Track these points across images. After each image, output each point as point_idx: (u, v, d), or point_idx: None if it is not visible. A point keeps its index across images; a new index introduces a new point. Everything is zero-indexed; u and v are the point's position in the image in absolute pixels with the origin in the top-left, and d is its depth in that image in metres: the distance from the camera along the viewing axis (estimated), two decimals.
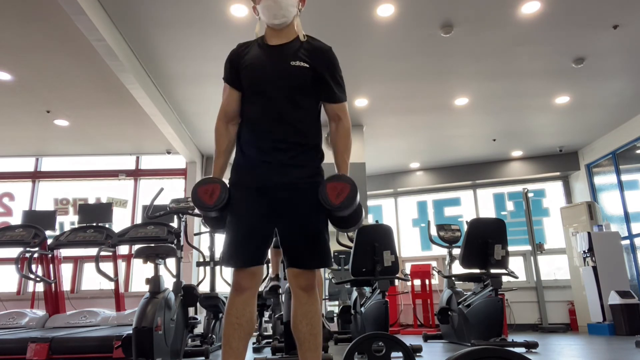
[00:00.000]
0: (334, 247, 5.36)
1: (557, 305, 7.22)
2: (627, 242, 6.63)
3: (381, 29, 4.29)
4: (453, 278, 5.10)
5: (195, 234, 6.56)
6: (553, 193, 8.11)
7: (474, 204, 8.34)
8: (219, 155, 1.76)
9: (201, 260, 4.81)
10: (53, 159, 7.63)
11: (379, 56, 4.77)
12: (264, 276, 4.17)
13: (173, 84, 5.24)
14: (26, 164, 7.61)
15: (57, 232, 5.05)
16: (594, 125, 6.65)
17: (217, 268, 4.60)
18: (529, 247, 7.37)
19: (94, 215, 4.92)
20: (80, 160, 7.61)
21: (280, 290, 3.80)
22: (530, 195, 7.53)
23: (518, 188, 8.02)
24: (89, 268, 6.70)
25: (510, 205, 8.19)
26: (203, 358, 3.70)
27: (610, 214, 7.09)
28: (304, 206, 1.64)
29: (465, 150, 7.59)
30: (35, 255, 4.48)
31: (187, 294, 3.72)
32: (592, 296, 6.23)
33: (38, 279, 4.49)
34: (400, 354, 2.04)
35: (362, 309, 4.44)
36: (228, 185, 1.69)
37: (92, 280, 6.53)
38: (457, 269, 4.76)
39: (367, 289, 4.59)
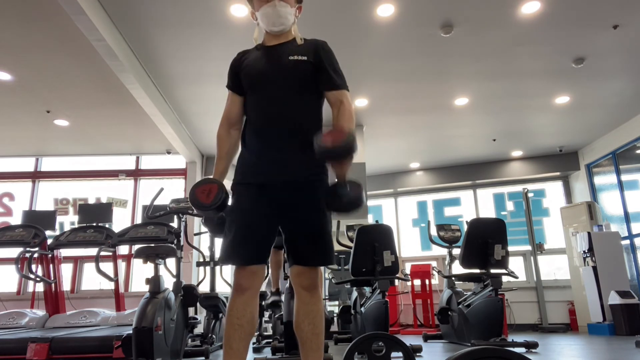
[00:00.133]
0: (334, 247, 5.37)
1: (557, 305, 7.22)
2: (627, 242, 6.63)
3: (381, 29, 4.29)
4: (453, 278, 5.10)
5: (195, 234, 6.56)
6: (553, 193, 8.11)
7: (474, 204, 8.34)
8: (220, 159, 1.77)
9: (201, 260, 4.80)
10: (53, 159, 7.63)
11: (379, 56, 4.77)
12: (265, 275, 4.17)
13: (173, 84, 5.24)
14: (26, 164, 7.61)
15: (57, 232, 5.04)
16: (594, 125, 6.66)
17: (217, 268, 4.60)
18: (529, 247, 7.37)
19: (94, 215, 4.92)
20: (80, 160, 7.61)
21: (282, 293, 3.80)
22: (530, 195, 7.53)
23: (518, 188, 8.02)
24: (89, 268, 6.70)
25: (510, 205, 8.19)
26: (203, 358, 3.70)
27: (610, 214, 7.09)
28: (307, 203, 1.65)
29: (465, 150, 7.60)
30: (35, 255, 4.47)
31: (187, 294, 3.72)
32: (592, 296, 6.24)
33: (38, 279, 4.49)
34: (400, 354, 2.04)
35: (362, 309, 4.43)
36: (232, 184, 1.70)
37: (92, 280, 6.53)
38: (457, 269, 4.76)
39: (367, 289, 4.59)
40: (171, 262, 3.84)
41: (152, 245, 3.62)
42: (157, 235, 3.76)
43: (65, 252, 5.13)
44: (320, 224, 1.65)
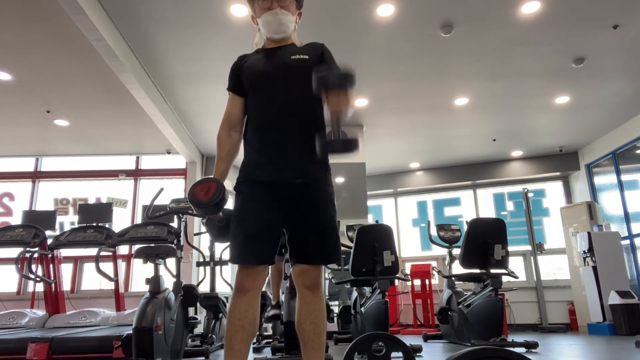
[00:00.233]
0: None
1: (557, 305, 7.22)
2: (627, 242, 6.63)
3: (381, 29, 4.29)
4: (453, 278, 5.10)
5: (195, 234, 6.56)
6: (553, 193, 8.11)
7: (474, 204, 8.34)
8: (220, 160, 1.77)
9: (201, 260, 4.81)
10: (53, 159, 7.62)
11: (379, 56, 4.77)
12: (267, 276, 4.17)
13: (173, 84, 5.24)
14: (26, 164, 7.61)
15: (57, 232, 5.04)
16: (594, 125, 6.66)
17: (217, 268, 4.60)
18: (529, 247, 7.37)
19: (94, 215, 4.92)
20: (80, 160, 7.61)
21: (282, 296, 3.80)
22: (530, 195, 7.54)
23: (518, 188, 8.02)
24: (89, 268, 6.69)
25: (510, 205, 8.19)
26: (203, 358, 3.71)
27: (610, 214, 7.09)
28: (312, 201, 1.65)
29: (465, 150, 7.60)
30: (35, 255, 4.47)
31: (187, 294, 3.72)
32: (592, 296, 6.24)
33: (38, 279, 4.49)
34: (400, 354, 2.04)
35: (362, 309, 4.44)
36: (235, 184, 1.70)
37: (92, 280, 6.53)
38: (457, 269, 4.76)
39: (367, 289, 4.59)
40: (171, 262, 3.84)
41: (152, 245, 3.62)
42: (157, 235, 3.76)
43: (65, 252, 5.13)
44: (325, 221, 1.65)
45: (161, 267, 3.54)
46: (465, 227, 4.56)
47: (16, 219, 7.01)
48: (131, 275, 6.81)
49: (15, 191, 7.56)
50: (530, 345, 3.91)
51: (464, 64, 4.97)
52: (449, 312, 4.90)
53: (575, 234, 6.82)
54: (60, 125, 6.29)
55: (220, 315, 4.44)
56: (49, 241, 4.48)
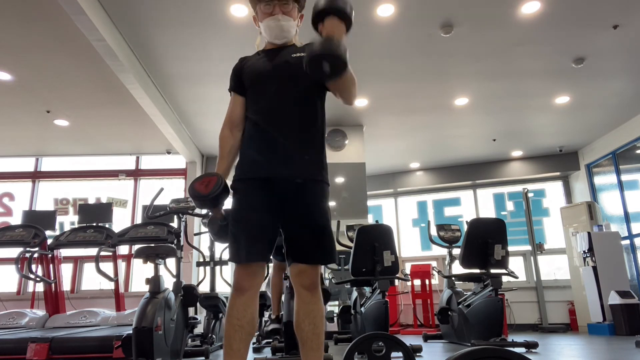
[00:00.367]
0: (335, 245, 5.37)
1: (557, 305, 7.22)
2: (627, 242, 6.63)
3: (381, 29, 4.29)
4: (453, 278, 5.10)
5: (195, 234, 6.56)
6: (553, 193, 8.11)
7: (474, 204, 8.34)
8: (222, 158, 1.77)
9: (201, 260, 4.81)
10: (53, 159, 7.63)
11: (379, 56, 4.77)
12: (265, 276, 4.17)
13: (173, 84, 5.24)
14: (26, 164, 7.61)
15: (57, 232, 5.04)
16: (594, 125, 6.66)
17: (217, 268, 4.60)
18: (529, 247, 7.37)
19: (94, 215, 4.92)
20: (80, 160, 7.61)
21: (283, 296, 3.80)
22: (530, 195, 7.53)
23: (518, 188, 8.02)
24: (89, 268, 6.70)
25: (510, 205, 8.19)
26: (203, 358, 3.70)
27: (610, 214, 7.09)
28: (308, 199, 1.65)
29: (465, 150, 7.60)
30: (35, 255, 4.47)
31: (187, 294, 3.72)
32: (592, 296, 6.24)
33: (38, 279, 4.49)
34: (400, 354, 2.03)
35: (362, 309, 4.43)
36: (232, 182, 1.70)
37: (92, 280, 6.53)
38: (457, 269, 4.76)
39: (367, 289, 4.58)
40: (171, 262, 3.84)
41: (152, 245, 3.62)
42: (157, 235, 3.76)
43: (65, 252, 5.13)
44: (321, 221, 1.65)
45: (161, 267, 3.54)
46: (465, 227, 4.56)
47: (16, 219, 7.02)
48: (131, 275, 6.81)
49: (15, 191, 7.57)
50: (530, 345, 3.91)
51: (464, 64, 4.97)
52: (449, 312, 4.90)
53: (575, 234, 6.82)
54: (60, 125, 6.29)
55: (220, 315, 4.43)
56: (49, 241, 4.48)
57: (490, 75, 5.20)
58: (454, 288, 5.03)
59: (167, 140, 6.35)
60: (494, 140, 7.14)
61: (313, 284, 1.66)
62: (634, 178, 6.69)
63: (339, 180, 6.78)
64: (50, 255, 4.75)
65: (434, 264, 7.52)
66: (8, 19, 4.04)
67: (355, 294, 4.91)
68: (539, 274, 7.16)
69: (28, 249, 4.19)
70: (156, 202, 4.04)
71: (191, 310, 3.99)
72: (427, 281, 7.18)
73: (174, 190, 7.41)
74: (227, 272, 4.98)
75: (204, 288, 4.51)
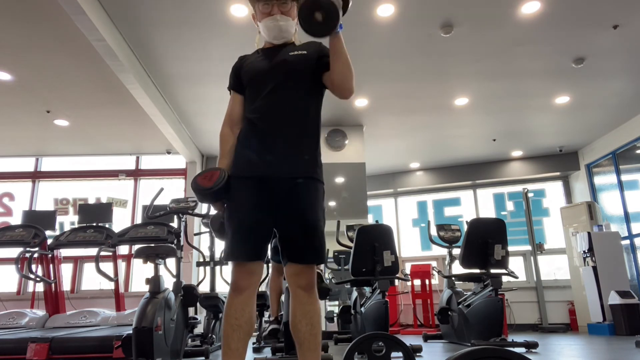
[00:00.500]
0: (334, 247, 5.37)
1: (557, 305, 7.22)
2: (627, 242, 6.63)
3: (381, 29, 4.29)
4: (453, 278, 5.10)
5: (195, 234, 6.56)
6: (553, 193, 8.11)
7: (474, 204, 8.34)
8: (223, 156, 1.77)
9: (201, 260, 4.81)
10: (53, 159, 7.63)
11: (379, 56, 4.77)
12: (265, 276, 4.17)
13: (173, 84, 5.24)
14: (26, 164, 7.61)
15: (57, 232, 5.04)
16: (594, 125, 6.66)
17: (217, 268, 4.60)
18: (529, 247, 7.37)
19: (94, 215, 4.92)
20: (80, 160, 7.61)
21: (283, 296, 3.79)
22: (530, 195, 7.53)
23: (518, 188, 8.02)
24: (89, 268, 6.70)
25: (510, 205, 8.19)
26: (203, 358, 3.70)
27: (610, 214, 7.09)
28: (302, 198, 1.64)
29: (465, 150, 7.59)
30: (35, 255, 4.48)
31: (187, 294, 3.72)
32: (592, 296, 6.23)
33: (38, 279, 4.49)
34: (400, 354, 2.03)
35: (362, 309, 4.44)
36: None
37: (92, 280, 6.53)
38: (457, 269, 4.76)
39: (367, 289, 4.58)
40: (171, 262, 3.84)
41: (152, 245, 3.62)
42: (157, 235, 3.76)
43: (65, 252, 5.13)
44: (314, 220, 1.64)
45: (161, 267, 3.54)
46: (465, 227, 4.56)
47: (16, 219, 7.02)
48: (131, 275, 6.81)
49: (15, 191, 7.57)
50: (530, 345, 3.91)
51: (464, 64, 4.97)
52: (449, 312, 4.90)
53: (575, 234, 6.82)
54: (60, 125, 6.29)
55: (220, 315, 4.43)
56: (49, 241, 4.48)
57: (490, 75, 5.20)
58: (454, 288, 5.03)
59: (167, 140, 6.35)
60: (494, 140, 7.14)
61: (309, 284, 1.65)
62: (634, 178, 6.68)
63: (339, 180, 6.78)
64: (50, 255, 4.76)
65: (434, 264, 7.52)
66: (8, 19, 4.04)
67: (355, 294, 4.91)
68: (539, 274, 7.16)
69: (28, 249, 4.19)
70: (156, 202, 4.04)
71: (191, 310, 3.99)
72: (427, 281, 7.18)
73: (174, 190, 7.41)
74: (227, 272, 4.98)
75: (204, 288, 4.51)
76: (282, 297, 3.80)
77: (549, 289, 7.30)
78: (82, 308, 5.12)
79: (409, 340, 4.52)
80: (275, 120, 1.68)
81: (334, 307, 6.98)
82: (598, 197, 7.37)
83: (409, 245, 8.46)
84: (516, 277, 4.48)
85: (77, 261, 6.39)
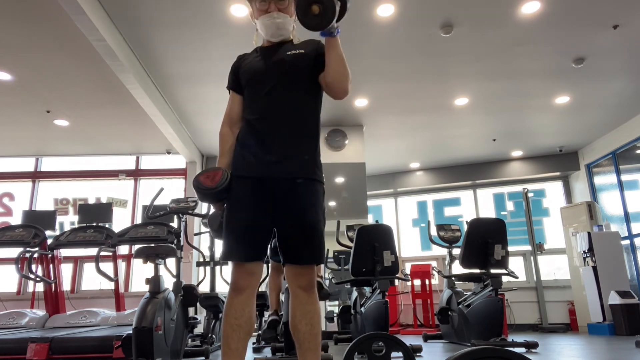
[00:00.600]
0: (334, 247, 5.37)
1: (557, 305, 7.22)
2: (627, 242, 6.63)
3: (381, 29, 4.29)
4: (453, 278, 5.10)
5: (195, 234, 6.56)
6: (553, 193, 8.11)
7: (474, 204, 8.34)
8: (222, 155, 1.77)
9: (201, 260, 4.81)
10: (53, 159, 7.63)
11: (379, 56, 4.77)
12: (264, 276, 4.17)
13: (173, 84, 5.24)
14: (26, 164, 7.62)
15: (57, 232, 5.04)
16: (594, 125, 6.66)
17: (217, 268, 4.60)
18: (529, 247, 7.37)
19: (94, 215, 4.91)
20: (80, 160, 7.61)
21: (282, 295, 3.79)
22: (530, 195, 7.54)
23: (518, 188, 8.02)
24: (89, 268, 6.70)
25: (510, 205, 8.19)
26: (203, 358, 3.70)
27: (610, 214, 7.09)
28: (302, 198, 1.64)
29: (465, 150, 7.59)
30: (35, 255, 4.47)
31: (187, 294, 3.72)
32: (592, 296, 6.23)
33: (38, 279, 4.49)
34: (400, 354, 2.03)
35: (362, 309, 4.44)
36: None
37: (92, 280, 6.53)
38: (457, 269, 4.76)
39: (367, 289, 4.58)
40: (171, 262, 3.84)
41: (152, 245, 3.62)
42: (157, 235, 3.76)
43: (65, 252, 5.13)
44: (313, 220, 1.64)
45: (161, 267, 3.54)
46: (465, 227, 4.56)
47: (16, 219, 7.02)
48: (131, 275, 6.81)
49: (15, 191, 7.57)
50: (530, 345, 3.91)
51: (464, 64, 4.97)
52: (449, 312, 4.90)
53: (575, 234, 6.82)
54: (60, 125, 6.29)
55: (220, 315, 4.43)
56: (49, 241, 4.48)
57: (490, 75, 5.20)
58: (454, 288, 5.03)
59: (167, 140, 6.35)
60: (494, 140, 7.14)
61: (309, 284, 1.65)
62: (634, 178, 6.68)
63: (339, 180, 6.78)
64: (50, 255, 4.75)
65: (434, 264, 7.52)
66: (8, 19, 4.04)
67: (355, 294, 4.91)
68: (539, 274, 7.16)
69: (28, 249, 4.19)
70: (156, 202, 4.04)
71: (191, 310, 3.99)
72: (427, 281, 7.18)
73: (174, 190, 7.41)
74: (227, 272, 4.98)
75: (204, 288, 4.51)
76: (282, 297, 3.80)
77: (549, 289, 7.30)
78: (82, 308, 5.12)
79: (409, 340, 4.52)
80: (273, 120, 1.68)
81: (334, 307, 6.98)
82: (598, 197, 7.37)
83: (409, 245, 8.46)
84: (516, 277, 4.48)
85: (77, 261, 6.39)
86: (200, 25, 4.19)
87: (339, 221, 5.17)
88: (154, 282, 3.32)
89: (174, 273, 3.84)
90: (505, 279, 4.29)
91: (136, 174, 7.61)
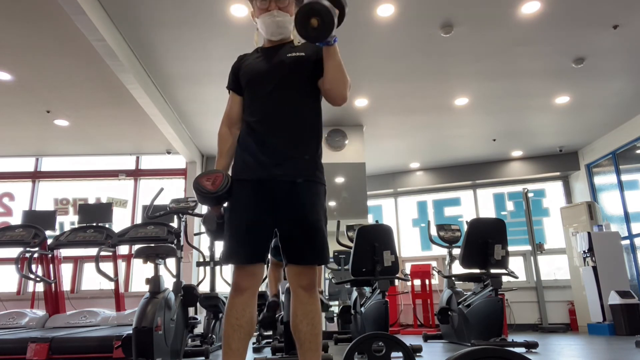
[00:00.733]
0: (334, 247, 5.37)
1: (557, 305, 7.22)
2: (627, 242, 6.63)
3: (381, 29, 4.29)
4: (453, 278, 5.10)
5: (195, 234, 6.56)
6: (553, 193, 8.11)
7: (474, 204, 8.34)
8: (221, 156, 1.77)
9: (201, 260, 4.81)
10: (53, 159, 7.63)
11: (379, 56, 4.77)
12: (265, 276, 4.17)
13: (173, 84, 5.24)
14: (26, 164, 7.61)
15: (57, 232, 5.04)
16: (594, 125, 6.66)
17: (217, 268, 4.60)
18: (529, 247, 7.37)
19: (94, 215, 4.91)
20: (80, 160, 7.61)
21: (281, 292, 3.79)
22: (530, 195, 7.54)
23: (518, 188, 8.02)
24: (89, 268, 6.70)
25: (510, 205, 8.19)
26: (203, 358, 3.70)
27: (610, 214, 7.09)
28: (303, 199, 1.64)
29: (465, 150, 7.59)
30: (35, 255, 4.47)
31: (187, 294, 3.72)
32: (592, 296, 6.24)
33: (38, 279, 4.49)
34: (400, 354, 2.03)
35: (362, 309, 4.44)
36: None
37: (92, 280, 6.53)
38: (457, 269, 4.76)
39: (367, 289, 4.58)
40: (171, 262, 3.84)
41: (152, 245, 3.62)
42: (157, 235, 3.76)
43: (65, 252, 5.13)
44: (314, 221, 1.64)
45: (161, 267, 3.54)
46: (465, 227, 4.56)
47: (16, 219, 7.02)
48: (131, 275, 6.81)
49: (15, 191, 7.57)
50: (530, 345, 3.91)
51: (464, 64, 4.97)
52: (449, 312, 4.90)
53: (575, 234, 6.82)
54: (60, 125, 6.29)
55: (220, 315, 4.43)
56: (49, 241, 4.48)
57: (490, 75, 5.20)
58: (454, 288, 5.03)
59: (167, 140, 6.35)
60: (494, 140, 7.14)
61: (310, 284, 1.65)
62: (634, 178, 6.68)
63: (339, 180, 6.78)
64: (50, 255, 4.75)
65: (434, 264, 7.52)
66: (8, 19, 4.04)
67: (355, 294, 4.91)
68: (539, 274, 7.16)
69: (28, 249, 4.19)
70: (156, 202, 4.04)
71: (191, 310, 3.99)
72: (427, 281, 7.18)
73: (174, 190, 7.41)
74: (227, 272, 4.98)
75: (204, 288, 4.51)
76: (283, 298, 3.80)
77: (549, 289, 7.30)
78: (82, 308, 5.12)
79: (409, 340, 4.52)
80: (273, 122, 1.68)
81: (334, 307, 6.98)
82: (598, 197, 7.37)
83: (409, 245, 8.46)
84: (516, 277, 4.48)
85: (77, 261, 6.39)
86: (200, 25, 4.19)
87: (339, 221, 5.17)
88: (154, 282, 3.32)
89: (174, 273, 3.84)
90: (505, 279, 4.29)
91: (136, 174, 7.61)
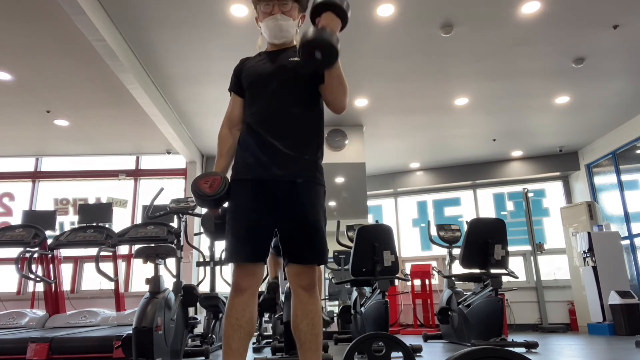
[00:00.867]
0: (334, 247, 5.37)
1: (557, 305, 7.22)
2: (627, 242, 6.63)
3: (381, 29, 4.29)
4: (453, 278, 5.10)
5: (195, 234, 6.56)
6: (553, 193, 8.11)
7: (474, 204, 8.34)
8: (221, 157, 1.78)
9: (201, 260, 4.81)
10: (53, 159, 7.63)
11: (379, 56, 4.77)
12: (265, 275, 4.18)
13: (173, 84, 5.24)
14: (26, 164, 7.61)
15: (57, 232, 5.04)
16: (594, 125, 6.66)
17: (217, 268, 4.60)
18: (529, 247, 7.37)
19: (94, 215, 4.91)
20: (80, 160, 7.61)
21: (281, 290, 3.80)
22: (530, 195, 7.54)
23: (518, 188, 8.02)
24: (89, 268, 6.70)
25: (510, 205, 8.19)
26: (203, 358, 3.70)
27: (610, 214, 7.09)
28: (302, 200, 1.65)
29: (465, 150, 7.59)
30: (35, 255, 4.47)
31: (187, 294, 3.72)
32: (592, 296, 6.24)
33: (38, 279, 4.49)
34: (400, 354, 2.03)
35: (362, 309, 4.44)
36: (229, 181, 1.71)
37: (92, 280, 6.53)
38: (457, 269, 4.76)
39: (367, 289, 4.58)
40: (171, 262, 3.84)
41: (152, 245, 3.62)
42: (157, 235, 3.76)
43: (65, 252, 5.13)
44: (314, 221, 1.65)
45: (161, 267, 3.54)
46: (465, 227, 4.56)
47: (16, 219, 7.02)
48: (131, 275, 6.81)
49: (15, 191, 7.57)
50: (530, 345, 3.91)
51: (464, 64, 4.97)
52: (449, 312, 4.90)
53: (575, 234, 6.82)
54: (60, 125, 6.29)
55: (220, 315, 4.43)
56: (49, 241, 4.48)
57: (490, 75, 5.20)
58: (454, 288, 5.03)
59: (167, 140, 6.35)
60: (494, 140, 7.14)
61: (311, 284, 1.66)
62: (634, 178, 6.69)
63: (339, 180, 6.78)
64: (50, 255, 4.75)
65: (434, 264, 7.52)
66: (8, 19, 4.04)
67: (355, 294, 4.91)
68: (539, 274, 7.16)
69: (28, 249, 4.19)
70: (156, 202, 4.04)
71: (191, 310, 3.99)
72: (427, 281, 7.18)
73: (174, 190, 7.41)
74: (227, 272, 4.98)
75: (204, 288, 4.51)
76: (283, 298, 3.80)
77: (549, 289, 7.30)
78: (82, 308, 5.12)
79: (409, 340, 4.52)
80: (274, 124, 1.69)
81: (334, 307, 6.99)
82: (598, 197, 7.37)
83: (409, 245, 8.46)
84: (516, 277, 4.48)
85: (77, 261, 6.39)
86: (200, 25, 4.19)
87: (339, 221, 5.17)
88: (154, 282, 3.32)
89: (174, 273, 3.84)
90: (505, 279, 4.29)
91: (136, 174, 7.61)
